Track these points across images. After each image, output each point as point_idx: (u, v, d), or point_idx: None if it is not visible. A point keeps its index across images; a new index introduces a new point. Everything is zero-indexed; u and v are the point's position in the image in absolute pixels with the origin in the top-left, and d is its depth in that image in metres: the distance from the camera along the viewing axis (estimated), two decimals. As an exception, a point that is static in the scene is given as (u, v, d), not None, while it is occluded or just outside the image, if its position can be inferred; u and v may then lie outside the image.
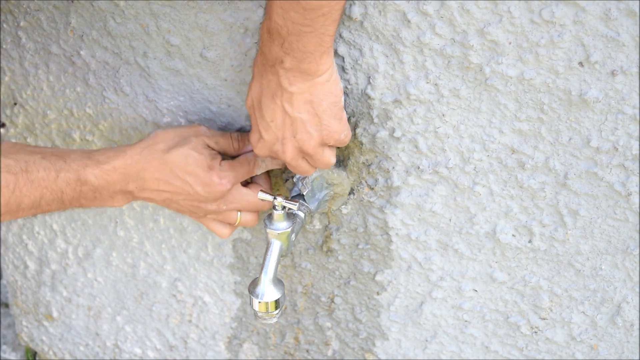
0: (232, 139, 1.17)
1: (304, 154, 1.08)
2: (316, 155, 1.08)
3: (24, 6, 1.24)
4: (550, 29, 1.00)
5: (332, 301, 1.36)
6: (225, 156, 1.18)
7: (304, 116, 1.03)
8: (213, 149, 1.15)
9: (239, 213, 1.18)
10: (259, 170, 1.17)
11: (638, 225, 1.12)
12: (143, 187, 1.13)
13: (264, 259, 1.12)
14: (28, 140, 1.38)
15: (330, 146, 1.10)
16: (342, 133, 1.07)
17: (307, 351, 1.44)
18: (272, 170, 1.24)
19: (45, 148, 1.12)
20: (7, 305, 1.88)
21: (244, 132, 1.20)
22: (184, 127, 1.17)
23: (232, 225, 1.21)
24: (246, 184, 1.20)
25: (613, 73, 1.01)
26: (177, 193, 1.13)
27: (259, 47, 1.03)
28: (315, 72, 1.00)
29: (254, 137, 1.08)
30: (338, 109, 1.05)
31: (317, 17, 0.94)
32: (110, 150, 1.12)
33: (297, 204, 1.11)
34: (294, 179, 1.20)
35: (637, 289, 1.18)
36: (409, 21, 1.04)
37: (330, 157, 1.10)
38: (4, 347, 1.84)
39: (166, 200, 1.15)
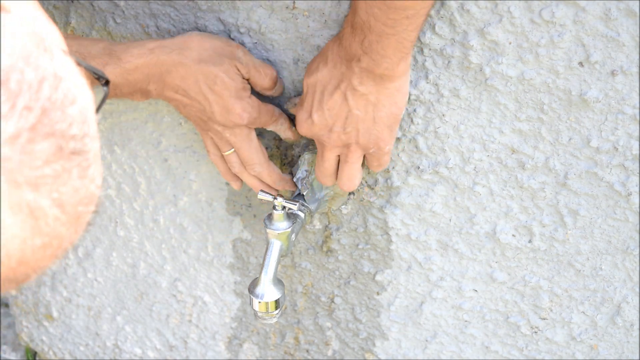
0: (264, 75, 1.11)
1: (342, 150, 1.08)
2: (351, 155, 1.07)
3: (24, 6, 1.24)
4: (550, 29, 1.00)
5: (332, 301, 1.36)
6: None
7: (360, 113, 1.03)
8: (244, 78, 1.10)
9: (232, 149, 1.14)
10: (272, 128, 1.14)
11: (638, 225, 1.12)
12: (162, 90, 1.09)
13: (264, 259, 1.12)
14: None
15: (364, 161, 1.10)
16: (387, 144, 1.07)
17: (307, 351, 1.44)
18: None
19: (67, 39, 1.06)
20: (7, 305, 1.88)
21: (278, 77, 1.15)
22: (222, 42, 1.10)
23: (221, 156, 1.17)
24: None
25: (613, 73, 1.01)
26: (192, 106, 1.09)
27: (339, 38, 1.02)
28: (389, 79, 1.00)
29: (302, 115, 1.06)
30: (394, 120, 1.05)
31: (400, 18, 0.93)
32: (134, 47, 1.07)
33: (297, 204, 1.11)
34: (294, 179, 1.20)
35: (637, 289, 1.18)
36: (409, 21, 1.04)
37: (357, 175, 1.10)
38: (4, 347, 1.84)
39: (179, 105, 1.11)
